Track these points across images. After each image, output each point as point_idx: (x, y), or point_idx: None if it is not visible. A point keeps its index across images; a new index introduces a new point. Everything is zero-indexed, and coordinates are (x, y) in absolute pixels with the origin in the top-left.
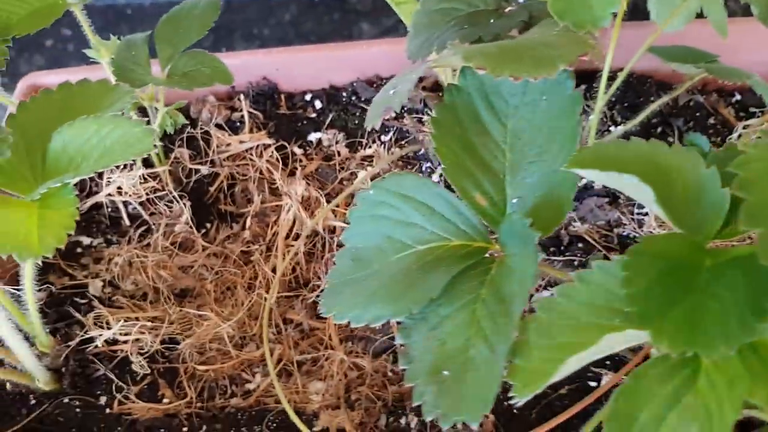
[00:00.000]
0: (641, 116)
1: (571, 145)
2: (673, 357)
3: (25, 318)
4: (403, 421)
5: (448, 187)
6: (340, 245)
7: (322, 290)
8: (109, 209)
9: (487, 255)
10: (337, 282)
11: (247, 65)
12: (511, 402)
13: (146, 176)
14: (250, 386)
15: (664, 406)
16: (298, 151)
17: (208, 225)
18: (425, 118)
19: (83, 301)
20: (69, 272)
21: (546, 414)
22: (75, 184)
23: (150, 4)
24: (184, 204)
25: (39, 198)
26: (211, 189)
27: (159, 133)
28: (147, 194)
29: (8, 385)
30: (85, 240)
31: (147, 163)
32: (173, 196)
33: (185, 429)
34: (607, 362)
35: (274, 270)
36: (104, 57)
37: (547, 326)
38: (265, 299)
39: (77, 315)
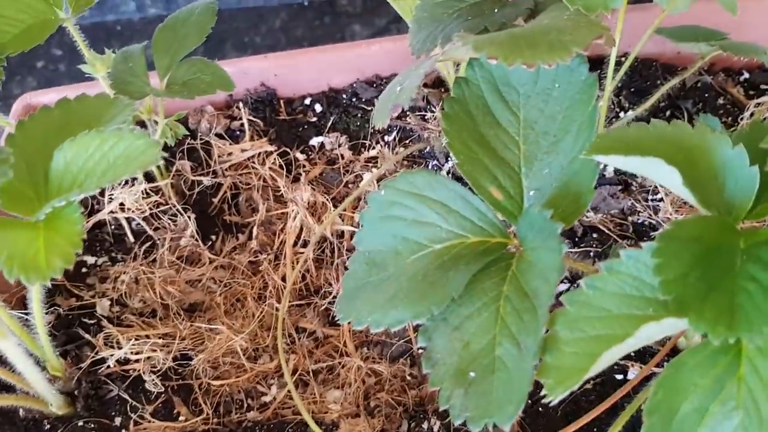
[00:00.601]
0: (651, 100)
1: (589, 133)
2: (713, 344)
3: (35, 342)
4: (425, 425)
5: (458, 182)
6: (350, 250)
7: (334, 297)
8: (113, 227)
9: (506, 251)
10: (352, 287)
11: (244, 72)
12: (543, 400)
13: (148, 191)
14: (267, 399)
15: (706, 397)
16: (300, 156)
17: (214, 237)
18: (429, 115)
19: (91, 321)
20: (75, 293)
21: (572, 410)
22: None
23: (139, 20)
24: (189, 217)
25: (44, 218)
26: (215, 200)
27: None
28: (150, 209)
29: (21, 412)
30: (90, 259)
31: (148, 177)
32: (177, 210)
33: None
34: (632, 354)
35: (283, 279)
36: (100, 71)
37: (576, 320)
38: (277, 309)
39: (87, 336)
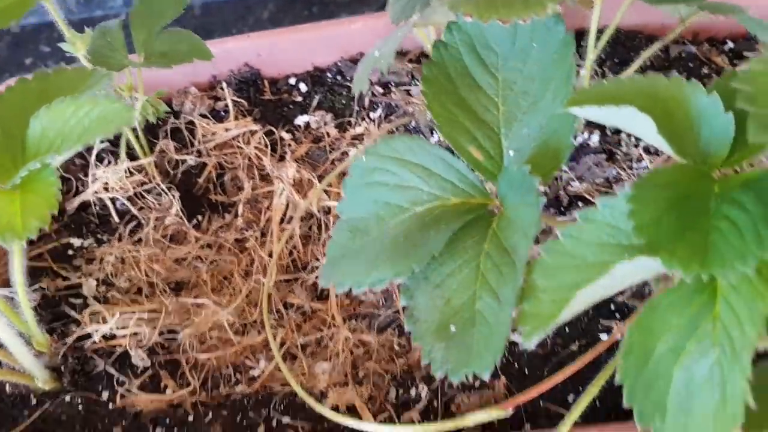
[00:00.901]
0: (632, 68)
1: (566, 91)
2: (687, 285)
3: (19, 317)
4: (413, 392)
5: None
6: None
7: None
8: (97, 207)
9: (486, 211)
10: (335, 255)
11: (228, 52)
12: (520, 347)
13: (132, 169)
14: (255, 372)
15: (681, 336)
16: (286, 135)
17: (200, 217)
18: (413, 90)
19: (78, 301)
20: (62, 274)
21: (555, 369)
22: (61, 186)
23: (128, 14)
24: (173, 195)
25: (20, 183)
26: (200, 180)
27: (141, 122)
28: (134, 188)
29: (8, 387)
30: (76, 242)
31: (131, 157)
32: (161, 189)
33: (191, 418)
34: (617, 314)
35: (270, 255)
36: (80, 50)
37: (553, 269)
38: (263, 284)
39: (72, 313)
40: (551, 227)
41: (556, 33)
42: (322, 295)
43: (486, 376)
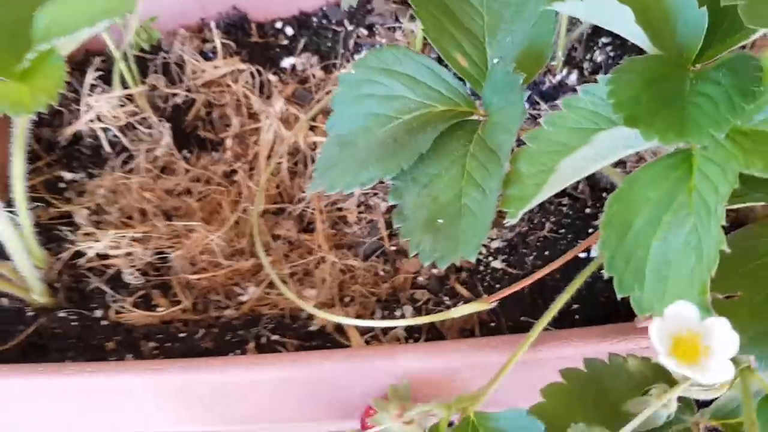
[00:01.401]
0: None
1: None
2: (664, 161)
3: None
4: (398, 312)
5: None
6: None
7: (308, 203)
8: (89, 139)
9: (472, 118)
10: (325, 165)
11: None
12: (504, 223)
13: (123, 99)
14: (243, 298)
15: (659, 208)
16: (272, 77)
17: (189, 153)
18: (398, 31)
19: (71, 227)
20: (54, 204)
21: (539, 293)
22: (53, 114)
23: None
24: (164, 127)
25: (29, 68)
26: (189, 116)
27: (135, 46)
28: (126, 118)
29: (5, 301)
30: (67, 175)
31: (123, 84)
32: (152, 121)
33: (182, 334)
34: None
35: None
36: None
37: (536, 155)
38: (251, 212)
39: (67, 234)
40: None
41: None
42: (308, 228)
43: (473, 258)
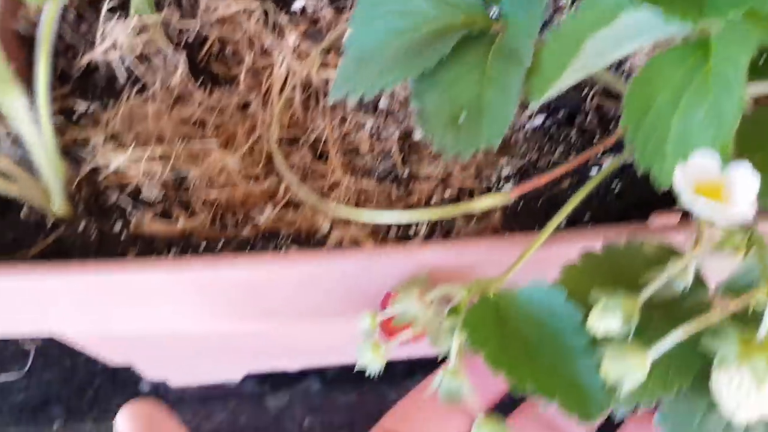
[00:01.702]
0: None
1: None
2: (683, 46)
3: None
4: (412, 229)
5: None
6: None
7: (321, 131)
8: (103, 70)
9: (491, 31)
10: (342, 81)
11: None
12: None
13: (139, 28)
14: (260, 219)
15: (677, 90)
16: (283, 19)
17: (202, 87)
18: None
19: (86, 150)
20: (69, 132)
21: (552, 205)
22: (66, 48)
23: None
24: (179, 58)
25: None
26: (202, 52)
27: None
28: (142, 47)
29: (24, 211)
30: (82, 105)
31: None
32: (167, 51)
33: (203, 246)
34: None
35: (272, 117)
36: None
37: (558, 49)
38: (267, 139)
39: (84, 157)
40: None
41: None
42: (322, 157)
43: (496, 145)
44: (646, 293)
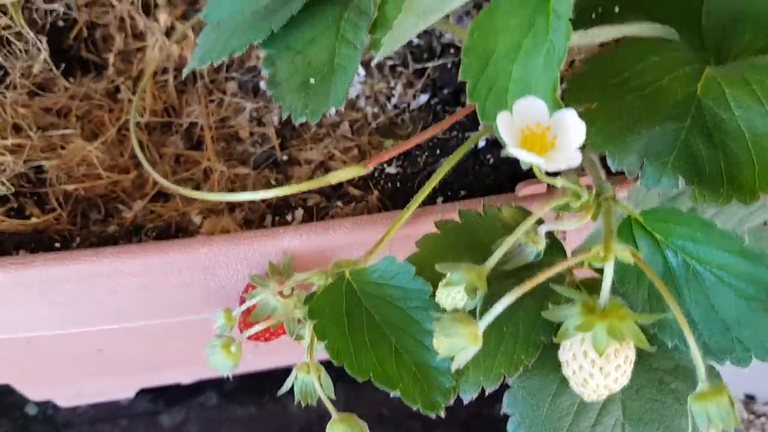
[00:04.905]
0: None
1: None
2: None
3: None
4: (289, 216)
5: None
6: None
7: (196, 117)
8: None
9: None
10: (201, 53)
11: None
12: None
13: None
14: (126, 214)
15: (518, 34)
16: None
17: (72, 76)
18: None
19: None
20: None
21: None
22: None
23: None
24: (41, 42)
25: None
26: (70, 36)
27: None
28: (1, 30)
29: None
30: None
31: None
32: (30, 36)
33: (57, 244)
34: None
35: (143, 102)
36: None
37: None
38: (133, 120)
39: None
40: None
41: None
42: (198, 145)
43: (341, 106)
44: (493, 260)
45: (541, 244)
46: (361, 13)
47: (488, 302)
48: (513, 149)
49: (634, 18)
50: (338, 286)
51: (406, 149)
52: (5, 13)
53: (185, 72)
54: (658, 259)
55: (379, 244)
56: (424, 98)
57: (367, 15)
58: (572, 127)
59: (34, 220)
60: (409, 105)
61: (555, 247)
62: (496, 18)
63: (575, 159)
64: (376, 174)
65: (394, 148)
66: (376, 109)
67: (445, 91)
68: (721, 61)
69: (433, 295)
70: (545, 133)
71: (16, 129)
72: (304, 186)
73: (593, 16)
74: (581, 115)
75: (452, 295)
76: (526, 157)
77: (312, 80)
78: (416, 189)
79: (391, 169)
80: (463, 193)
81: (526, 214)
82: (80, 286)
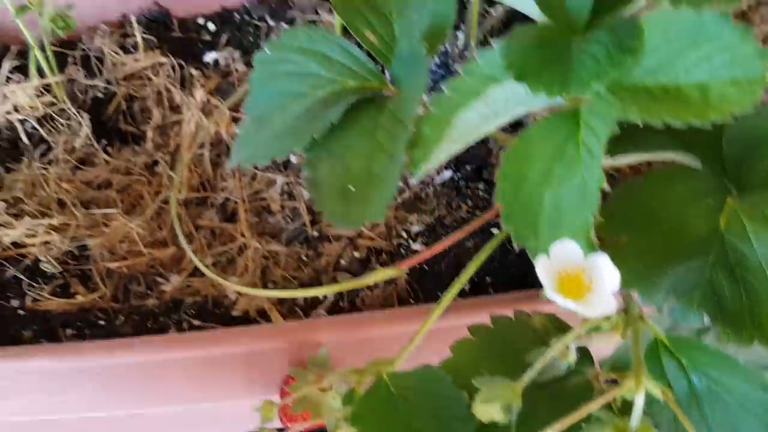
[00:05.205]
0: None
1: None
2: (554, 117)
3: None
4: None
5: None
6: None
7: (230, 191)
8: (6, 132)
9: (382, 93)
10: (242, 144)
11: None
12: (410, 180)
13: (41, 89)
14: (165, 287)
15: (550, 161)
16: (195, 72)
17: (109, 146)
18: (317, 22)
19: None
20: None
21: (456, 269)
22: None
23: None
24: (83, 118)
25: None
26: (109, 109)
27: (52, 32)
28: (44, 108)
29: None
30: None
31: (39, 73)
32: (71, 112)
33: (102, 322)
34: None
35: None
36: None
37: (437, 116)
38: (172, 200)
39: None
40: None
41: None
42: (232, 218)
43: (381, 219)
44: (528, 376)
45: (572, 357)
46: (396, 122)
47: (522, 414)
48: (551, 293)
49: (657, 138)
50: (377, 392)
51: (439, 250)
52: (49, 91)
53: (230, 166)
54: (684, 381)
55: (412, 342)
56: (447, 174)
57: (403, 124)
58: (606, 271)
59: (79, 298)
60: (433, 180)
61: (584, 357)
62: (529, 145)
63: (611, 305)
64: (402, 251)
65: (426, 251)
66: (401, 185)
67: (468, 168)
68: (742, 187)
69: (470, 404)
70: (581, 275)
71: (60, 204)
72: (343, 287)
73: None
74: (612, 250)
75: (489, 410)
76: (564, 303)
77: (351, 187)
78: (444, 271)
79: (417, 246)
80: (488, 279)
81: (556, 322)
82: (129, 372)
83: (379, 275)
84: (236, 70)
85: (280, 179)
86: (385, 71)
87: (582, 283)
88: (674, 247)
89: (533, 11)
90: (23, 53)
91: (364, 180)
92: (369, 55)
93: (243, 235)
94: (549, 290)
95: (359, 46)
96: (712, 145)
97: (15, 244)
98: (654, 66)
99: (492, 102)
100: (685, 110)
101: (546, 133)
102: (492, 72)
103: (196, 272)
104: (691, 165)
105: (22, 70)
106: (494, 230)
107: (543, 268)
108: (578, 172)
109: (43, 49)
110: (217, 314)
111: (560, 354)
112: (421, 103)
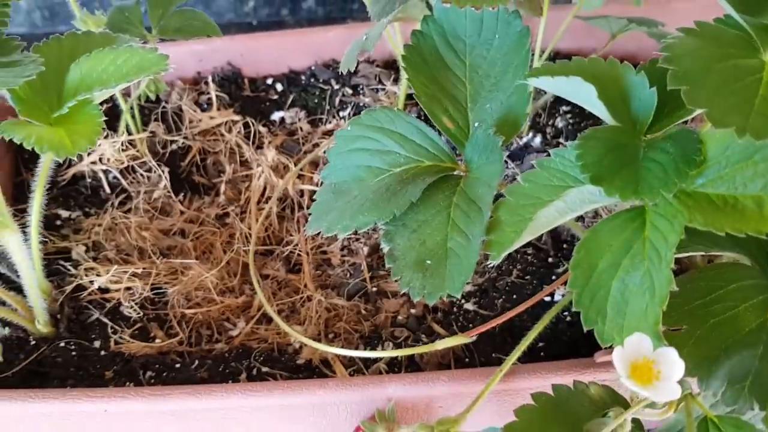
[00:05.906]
0: None
1: (523, 72)
2: (622, 215)
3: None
4: (379, 348)
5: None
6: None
7: (296, 245)
8: (89, 180)
9: (455, 173)
10: (320, 212)
11: (213, 51)
12: (488, 263)
13: (126, 144)
14: (234, 332)
15: (618, 254)
16: (263, 129)
17: (183, 197)
18: (381, 92)
19: (69, 263)
20: (51, 239)
21: (509, 333)
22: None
23: None
24: (162, 171)
25: (65, 116)
26: (184, 162)
27: (142, 96)
28: (128, 161)
29: (7, 330)
30: (64, 213)
31: (127, 130)
32: (152, 165)
33: (178, 365)
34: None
35: (249, 229)
36: (90, 27)
37: (514, 206)
38: (245, 252)
39: (68, 268)
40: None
41: (514, 26)
42: (295, 269)
43: (458, 295)
44: None
45: (628, 429)
46: (470, 202)
47: None
48: (624, 380)
49: (714, 235)
50: None
51: (504, 320)
52: (134, 146)
53: (308, 232)
54: None
55: (476, 402)
56: None
57: (476, 204)
58: (673, 363)
59: (158, 342)
60: None
61: (637, 428)
62: (599, 238)
63: (676, 392)
64: (455, 310)
65: (492, 320)
66: None
67: None
68: None
69: None
70: (650, 364)
71: (139, 251)
72: (411, 351)
73: None
74: (674, 338)
75: None
76: (636, 389)
77: (428, 261)
78: (497, 333)
79: (469, 306)
80: (541, 344)
81: (612, 393)
82: (209, 416)
83: (449, 342)
84: (301, 128)
85: (341, 236)
86: (456, 151)
87: (652, 371)
88: (728, 338)
89: (594, 107)
90: (111, 107)
91: (441, 255)
92: (442, 135)
93: (306, 287)
94: (623, 376)
95: (433, 126)
96: (761, 245)
97: (100, 289)
98: (714, 177)
99: (569, 201)
100: (745, 223)
101: (615, 227)
102: (565, 169)
103: (262, 320)
104: (743, 262)
105: (108, 123)
106: (546, 298)
107: (618, 356)
108: (643, 265)
109: (131, 108)
110: (282, 361)
111: (618, 426)
112: (495, 189)
